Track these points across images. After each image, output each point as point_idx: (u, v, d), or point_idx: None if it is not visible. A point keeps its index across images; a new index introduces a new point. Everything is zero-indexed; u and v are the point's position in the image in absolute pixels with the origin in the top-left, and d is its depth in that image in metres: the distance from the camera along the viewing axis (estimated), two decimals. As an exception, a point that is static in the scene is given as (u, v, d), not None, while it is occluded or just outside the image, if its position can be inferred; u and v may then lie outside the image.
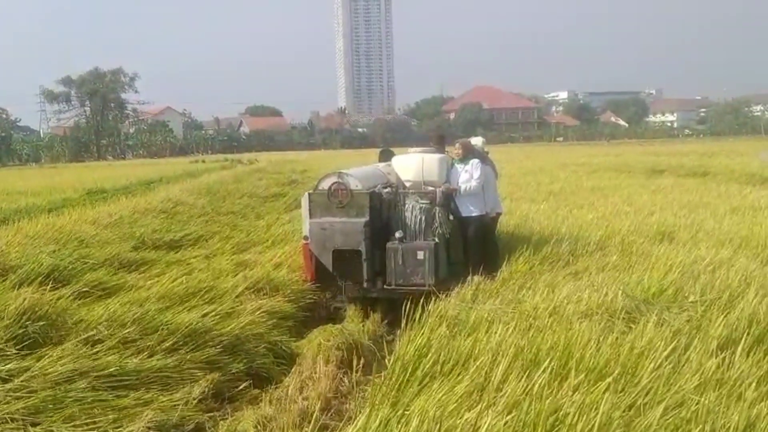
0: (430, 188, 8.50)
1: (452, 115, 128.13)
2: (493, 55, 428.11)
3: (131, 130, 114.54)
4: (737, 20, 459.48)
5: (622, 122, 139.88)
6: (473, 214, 8.68)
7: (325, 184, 8.24)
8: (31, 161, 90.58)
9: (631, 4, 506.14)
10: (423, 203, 8.25)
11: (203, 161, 59.43)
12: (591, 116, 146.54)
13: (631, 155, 37.48)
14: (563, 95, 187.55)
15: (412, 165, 8.94)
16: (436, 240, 8.13)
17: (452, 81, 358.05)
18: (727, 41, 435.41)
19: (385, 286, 8.16)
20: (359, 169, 9.02)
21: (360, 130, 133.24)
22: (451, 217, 8.67)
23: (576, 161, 32.80)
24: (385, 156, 10.14)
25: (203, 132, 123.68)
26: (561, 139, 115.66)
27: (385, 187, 8.55)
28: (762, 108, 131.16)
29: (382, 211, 8.36)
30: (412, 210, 8.25)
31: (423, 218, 8.19)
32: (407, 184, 8.85)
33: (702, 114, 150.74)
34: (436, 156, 8.95)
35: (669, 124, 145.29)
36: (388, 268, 8.08)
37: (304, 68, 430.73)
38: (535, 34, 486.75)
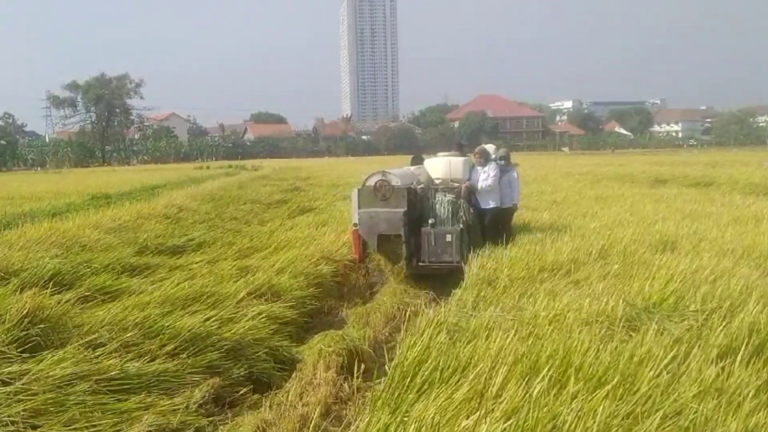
0: (456, 185, 10.49)
1: (456, 124, 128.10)
2: (498, 63, 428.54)
3: (136, 136, 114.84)
4: (743, 31, 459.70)
5: (624, 131, 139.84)
6: (490, 206, 10.72)
7: (371, 181, 9.99)
8: (36, 166, 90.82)
9: (636, 15, 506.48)
10: (450, 197, 10.17)
11: (207, 167, 59.33)
12: (595, 125, 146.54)
13: (635, 165, 37.41)
14: (568, 104, 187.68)
15: (441, 166, 11.11)
16: (461, 226, 9.95)
17: (457, 89, 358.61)
18: (732, 52, 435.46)
19: (419, 263, 9.92)
20: (397, 170, 10.76)
21: (364, 137, 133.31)
22: (472, 209, 10.36)
23: (580, 170, 32.76)
24: (417, 160, 12.07)
25: (208, 138, 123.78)
26: (566, 149, 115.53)
27: (419, 184, 10.46)
28: (767, 119, 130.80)
29: (417, 203, 10.14)
30: (441, 202, 10.16)
31: (450, 209, 10.10)
32: (437, 182, 10.91)
33: (707, 124, 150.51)
34: (461, 159, 11.07)
35: (674, 134, 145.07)
36: (422, 248, 9.90)
37: (309, 75, 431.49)
38: (541, 43, 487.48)
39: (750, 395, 4.16)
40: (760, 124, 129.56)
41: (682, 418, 3.91)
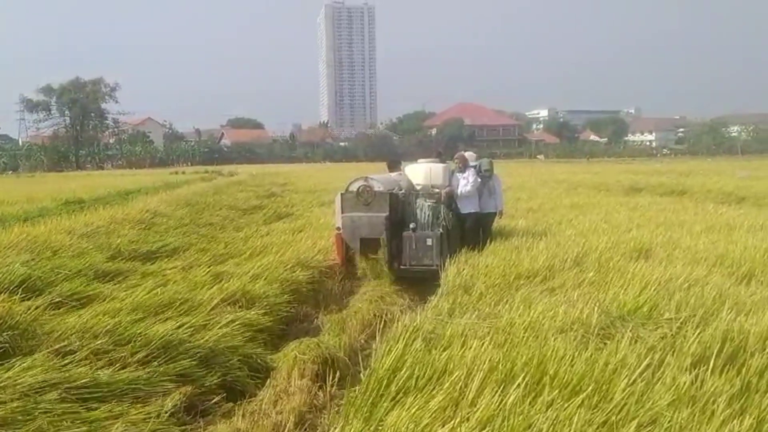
0: (436, 190, 10.86)
1: (434, 131, 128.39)
2: (475, 71, 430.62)
3: (111, 141, 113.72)
4: (715, 43, 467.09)
5: (601, 139, 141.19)
6: (470, 211, 11.18)
7: (354, 186, 10.27)
8: (8, 170, 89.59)
9: (612, 25, 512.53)
10: (430, 202, 10.50)
11: (183, 173, 59.04)
12: (571, 134, 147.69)
13: (610, 173, 37.76)
14: (544, 113, 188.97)
15: (421, 172, 11.46)
16: (441, 230, 10.19)
17: (435, 97, 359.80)
18: (705, 63, 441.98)
19: (401, 267, 10.10)
20: (379, 175, 11.04)
21: (342, 144, 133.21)
22: (451, 214, 10.74)
23: (556, 178, 32.99)
24: (394, 165, 12.24)
25: (184, 143, 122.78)
26: (541, 157, 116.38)
27: (400, 190, 10.76)
28: (739, 128, 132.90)
29: (398, 208, 10.44)
30: (422, 207, 10.48)
31: (430, 214, 10.40)
32: (417, 187, 11.15)
33: (680, 134, 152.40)
34: (441, 166, 11.53)
35: (648, 143, 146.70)
36: (403, 252, 10.11)
37: (286, 81, 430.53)
38: (518, 51, 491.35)
39: (723, 403, 4.18)
40: (732, 134, 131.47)
41: (657, 426, 3.91)
